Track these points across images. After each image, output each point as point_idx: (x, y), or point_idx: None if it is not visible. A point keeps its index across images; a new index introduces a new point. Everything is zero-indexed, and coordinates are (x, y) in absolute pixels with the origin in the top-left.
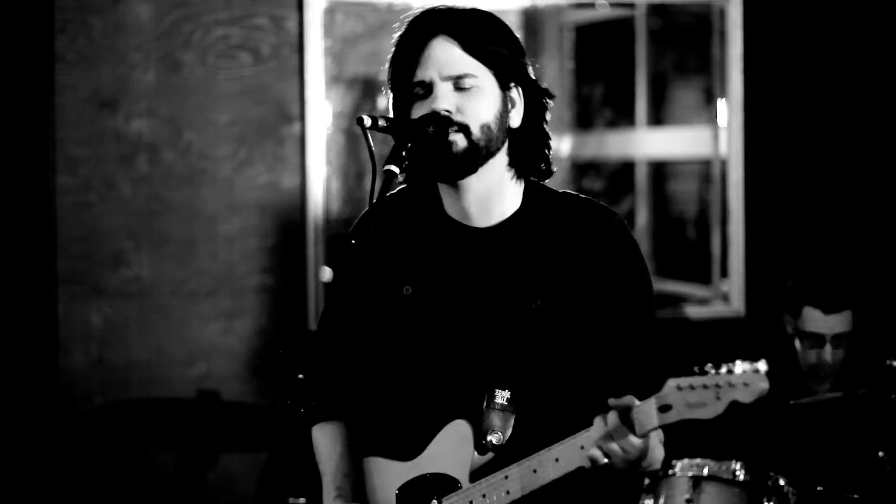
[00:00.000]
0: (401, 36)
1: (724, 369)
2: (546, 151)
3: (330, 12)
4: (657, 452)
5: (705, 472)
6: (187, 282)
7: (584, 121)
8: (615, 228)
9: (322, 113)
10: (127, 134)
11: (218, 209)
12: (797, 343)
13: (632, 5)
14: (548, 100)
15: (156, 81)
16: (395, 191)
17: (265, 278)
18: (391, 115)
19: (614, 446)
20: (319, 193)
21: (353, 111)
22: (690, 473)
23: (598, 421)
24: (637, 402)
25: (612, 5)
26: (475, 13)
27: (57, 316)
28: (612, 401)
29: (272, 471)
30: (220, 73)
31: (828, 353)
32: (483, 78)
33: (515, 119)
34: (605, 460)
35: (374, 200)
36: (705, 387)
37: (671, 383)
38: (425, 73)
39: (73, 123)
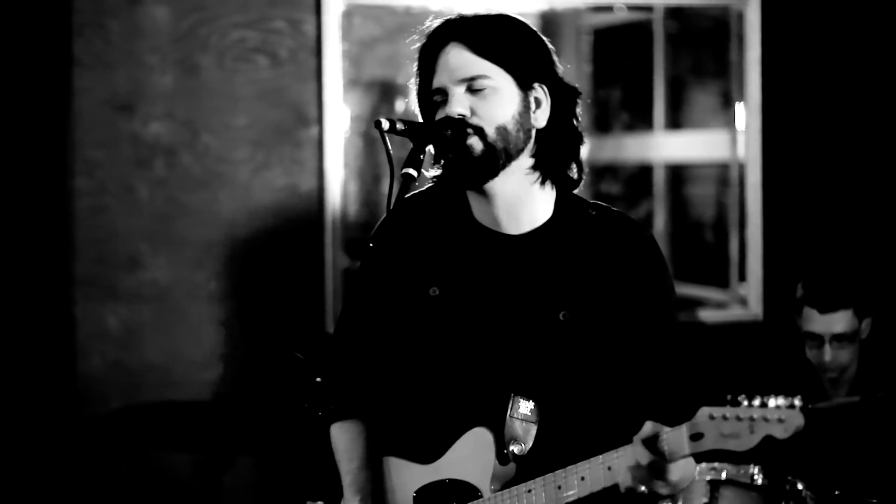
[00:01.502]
0: (420, 48)
1: (757, 401)
2: (575, 152)
3: (347, 15)
4: (691, 469)
5: (723, 476)
6: (204, 285)
7: (601, 124)
8: (646, 244)
9: (340, 116)
10: (144, 137)
11: (235, 212)
12: (807, 348)
13: (649, 9)
14: (577, 98)
15: (173, 84)
16: (422, 190)
17: (282, 281)
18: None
19: (646, 474)
20: (337, 196)
21: (371, 114)
22: (708, 477)
23: (628, 447)
24: (666, 430)
25: (630, 9)
26: (488, 17)
27: (74, 318)
28: (637, 436)
29: (288, 474)
30: (237, 76)
31: (827, 353)
32: (497, 79)
33: (541, 119)
34: (643, 489)
35: (392, 203)
36: (739, 419)
37: (704, 411)
38: (440, 79)
39: (90, 126)
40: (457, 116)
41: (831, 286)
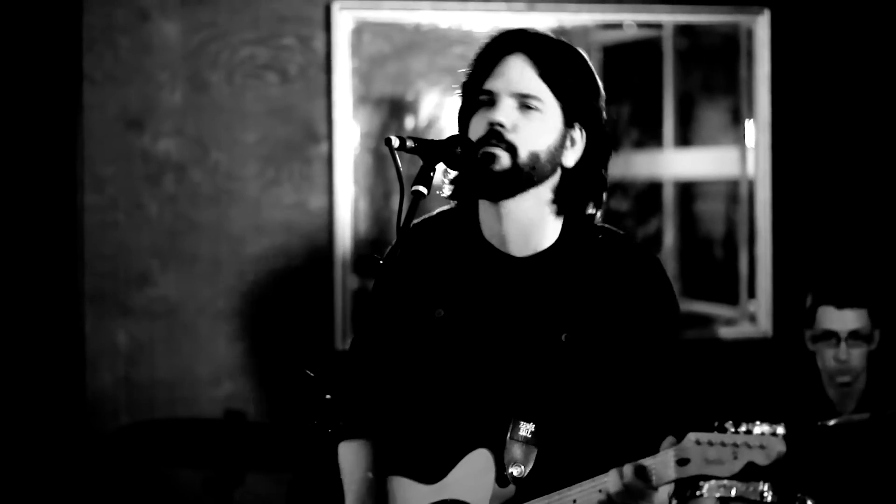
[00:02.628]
0: (482, 48)
1: (743, 428)
2: (596, 197)
3: (357, 32)
4: (663, 496)
5: (733, 493)
6: (213, 301)
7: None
8: (650, 268)
9: (349, 133)
10: (154, 153)
11: (245, 229)
12: (817, 357)
13: (659, 26)
14: (613, 150)
15: (183, 101)
16: (435, 213)
17: (292, 298)
18: (457, 121)
19: (626, 498)
20: (347, 213)
21: (381, 131)
22: (718, 494)
23: (614, 472)
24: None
25: (640, 26)
26: (560, 43)
27: (83, 334)
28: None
29: (298, 491)
30: (247, 92)
31: (843, 351)
32: (549, 105)
33: (570, 158)
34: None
35: (402, 221)
36: (724, 444)
37: (691, 437)
38: (494, 84)
39: (101, 142)
40: (497, 125)
41: (848, 283)
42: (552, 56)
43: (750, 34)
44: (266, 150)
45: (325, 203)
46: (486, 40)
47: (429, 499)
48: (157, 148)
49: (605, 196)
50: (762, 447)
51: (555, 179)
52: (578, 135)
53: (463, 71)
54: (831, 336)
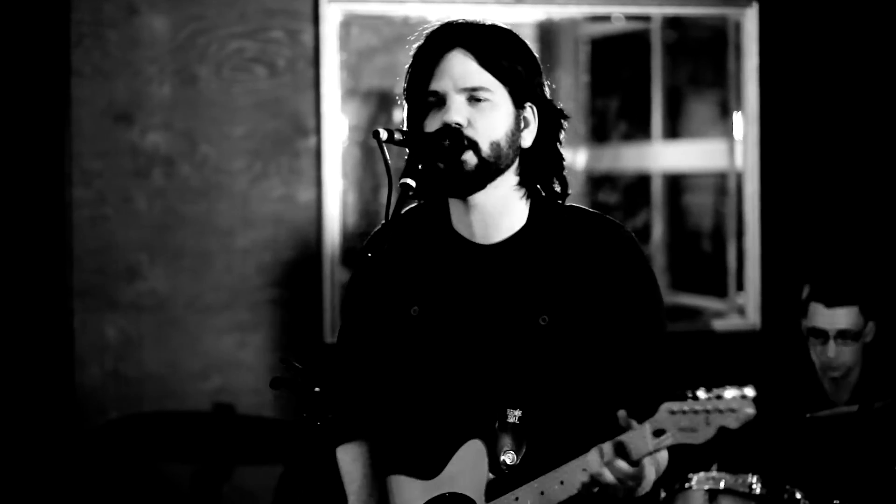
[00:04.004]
0: (419, 48)
1: (713, 394)
2: (558, 172)
3: (345, 25)
4: (649, 474)
5: (722, 485)
6: (202, 295)
7: (599, 134)
8: (623, 242)
9: (338, 126)
10: (142, 147)
11: (233, 223)
12: (810, 349)
13: (647, 18)
14: (563, 121)
15: (171, 95)
16: (407, 208)
17: (280, 292)
18: (406, 126)
19: (608, 475)
20: (335, 207)
21: (369, 124)
22: (707, 487)
23: (595, 452)
24: (633, 423)
25: (628, 18)
26: (494, 29)
27: (72, 329)
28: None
29: (287, 485)
30: (235, 86)
31: (831, 349)
32: (497, 93)
33: (527, 139)
34: (610, 479)
35: (391, 214)
36: (696, 412)
37: (664, 407)
38: (440, 84)
39: (89, 136)
40: (455, 125)
41: (838, 281)
42: (490, 43)
43: (738, 27)
44: (254, 144)
45: (314, 196)
46: (420, 41)
47: (428, 494)
48: (146, 142)
49: (565, 170)
50: (732, 410)
51: (517, 163)
52: (530, 114)
53: (405, 72)
54: (820, 333)
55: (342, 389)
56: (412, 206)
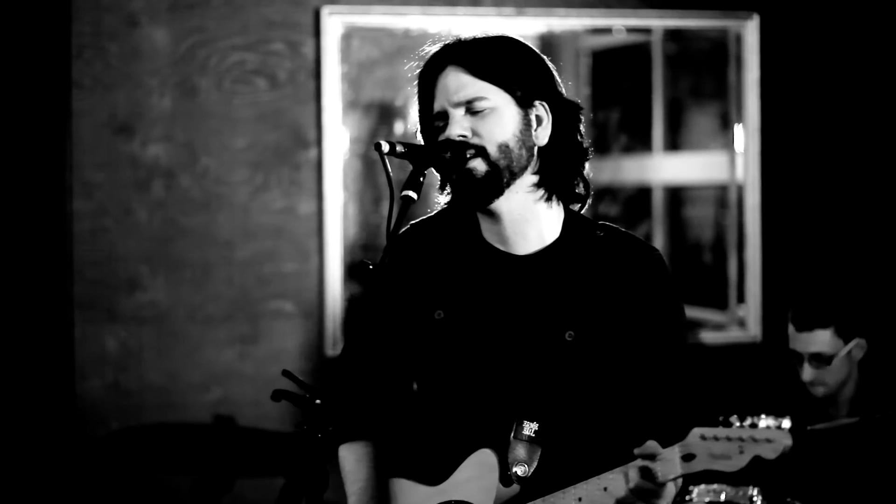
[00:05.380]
0: (419, 74)
1: (748, 422)
2: (579, 167)
3: (346, 38)
4: (669, 493)
5: (722, 497)
6: (203, 307)
7: (600, 146)
8: (654, 265)
9: (339, 138)
10: (143, 159)
11: (234, 234)
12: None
13: (648, 31)
14: (579, 113)
15: (172, 106)
16: (433, 213)
17: (281, 303)
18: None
19: (631, 498)
20: (336, 219)
21: (370, 136)
22: (707, 499)
23: (619, 474)
24: (661, 451)
25: (629, 31)
26: (485, 39)
27: (73, 340)
28: (637, 450)
29: (288, 497)
30: (236, 98)
31: (806, 371)
32: (496, 99)
33: (542, 137)
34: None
35: (392, 226)
36: (729, 439)
37: (696, 432)
38: (439, 103)
39: (90, 148)
40: (457, 139)
41: (809, 305)
42: (480, 53)
43: (739, 39)
44: (255, 156)
45: (315, 208)
46: (420, 66)
47: (432, 500)
48: (147, 154)
49: (587, 166)
50: (769, 441)
51: (535, 163)
52: (543, 111)
53: (403, 89)
54: (795, 355)
55: (347, 395)
56: (435, 213)
